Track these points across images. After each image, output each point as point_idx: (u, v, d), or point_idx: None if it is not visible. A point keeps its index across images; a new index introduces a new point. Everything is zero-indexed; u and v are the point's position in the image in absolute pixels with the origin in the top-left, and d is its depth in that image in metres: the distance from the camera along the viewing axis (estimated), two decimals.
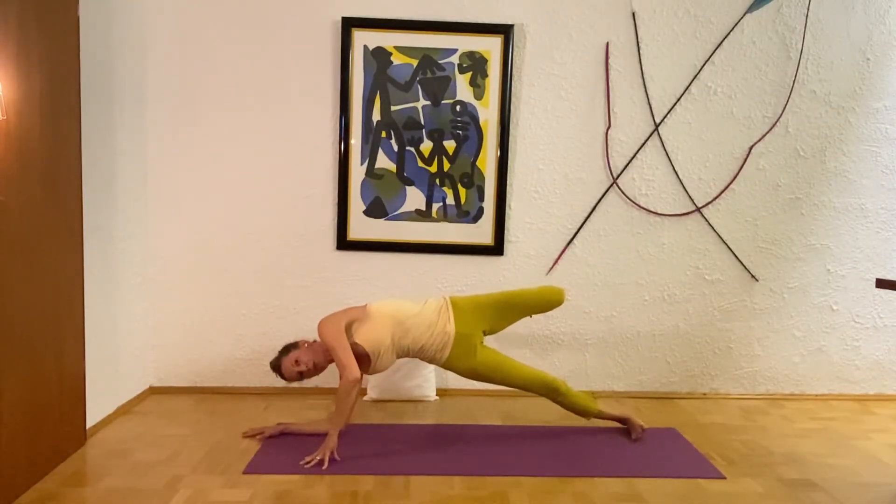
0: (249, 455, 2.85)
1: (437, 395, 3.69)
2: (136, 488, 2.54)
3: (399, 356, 3.04)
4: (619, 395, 3.82)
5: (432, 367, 3.51)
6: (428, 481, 2.66)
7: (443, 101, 3.59)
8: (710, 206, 3.73)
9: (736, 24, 3.62)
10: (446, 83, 3.58)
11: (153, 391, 3.66)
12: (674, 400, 3.80)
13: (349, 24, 3.53)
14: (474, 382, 3.76)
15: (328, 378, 3.72)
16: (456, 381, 3.67)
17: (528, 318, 3.26)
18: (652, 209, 3.72)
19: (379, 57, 3.57)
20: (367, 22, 3.54)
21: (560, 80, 3.63)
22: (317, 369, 3.02)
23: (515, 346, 3.75)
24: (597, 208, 3.70)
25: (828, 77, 3.70)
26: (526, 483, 2.67)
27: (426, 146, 3.62)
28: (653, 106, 3.67)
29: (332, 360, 2.99)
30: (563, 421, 3.40)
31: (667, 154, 3.70)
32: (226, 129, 3.59)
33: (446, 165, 3.63)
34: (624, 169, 3.69)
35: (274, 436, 3.01)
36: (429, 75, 3.57)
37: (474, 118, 3.60)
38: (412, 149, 3.62)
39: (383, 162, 3.63)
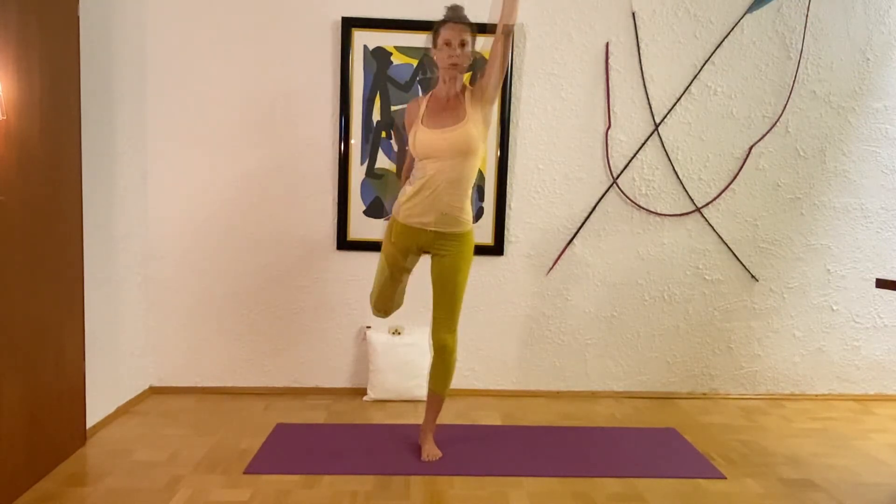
0: (249, 455, 2.85)
1: None
2: (136, 488, 2.54)
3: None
4: (619, 395, 3.82)
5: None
6: (428, 481, 2.67)
7: None
8: (710, 206, 3.73)
9: (736, 24, 3.62)
10: None
11: (153, 391, 3.66)
12: (674, 400, 3.80)
13: (349, 24, 3.53)
14: (475, 382, 3.77)
15: (327, 378, 3.73)
16: (456, 381, 3.66)
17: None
18: (652, 209, 3.72)
19: (379, 57, 3.57)
20: (367, 22, 3.54)
21: (560, 80, 3.63)
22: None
23: (515, 347, 3.75)
24: (597, 208, 3.70)
25: (828, 77, 3.70)
26: (526, 483, 2.67)
27: None
28: (653, 106, 3.67)
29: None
30: (563, 421, 3.41)
31: (667, 154, 3.70)
32: (226, 129, 3.59)
33: None
34: (624, 169, 3.69)
35: None
36: (429, 75, 3.57)
37: None
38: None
39: (383, 162, 3.63)
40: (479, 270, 3.66)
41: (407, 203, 2.78)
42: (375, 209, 3.65)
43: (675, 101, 3.66)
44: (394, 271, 2.89)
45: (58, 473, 2.64)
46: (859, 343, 3.87)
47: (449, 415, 3.38)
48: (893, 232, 3.83)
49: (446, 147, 2.68)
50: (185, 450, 2.90)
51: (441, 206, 2.73)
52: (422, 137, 2.72)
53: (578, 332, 3.77)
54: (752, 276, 3.79)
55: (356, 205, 3.65)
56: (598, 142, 3.68)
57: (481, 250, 3.62)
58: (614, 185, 3.70)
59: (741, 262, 3.78)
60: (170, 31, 3.52)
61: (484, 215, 3.66)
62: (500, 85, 2.72)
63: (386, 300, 2.98)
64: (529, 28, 3.59)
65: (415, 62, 3.58)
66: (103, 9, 3.07)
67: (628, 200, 3.72)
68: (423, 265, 2.92)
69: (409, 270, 2.93)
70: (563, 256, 3.72)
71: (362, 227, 3.65)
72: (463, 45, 2.70)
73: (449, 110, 2.73)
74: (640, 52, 3.63)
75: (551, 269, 3.73)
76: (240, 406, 3.49)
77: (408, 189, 2.80)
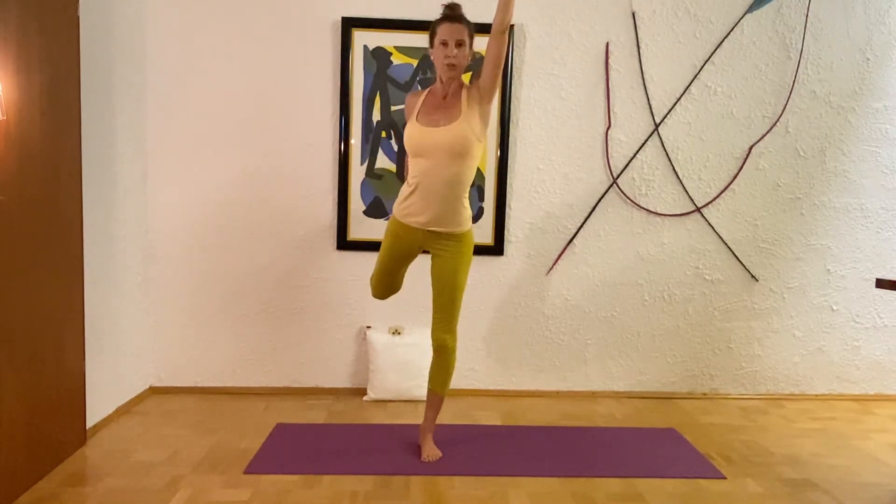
0: (249, 455, 2.85)
1: None
2: (136, 488, 2.54)
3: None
4: (619, 395, 3.82)
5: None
6: (428, 481, 2.67)
7: None
8: (710, 206, 3.73)
9: (736, 24, 3.62)
10: None
11: (153, 391, 3.66)
12: (674, 400, 3.80)
13: (349, 24, 3.53)
14: (475, 382, 3.77)
15: (327, 378, 3.73)
16: (456, 381, 3.66)
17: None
18: (652, 209, 3.72)
19: (379, 57, 3.57)
20: (367, 22, 3.54)
21: (560, 80, 3.63)
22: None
23: (515, 347, 3.75)
24: (597, 208, 3.70)
25: (828, 77, 3.70)
26: (526, 483, 2.67)
27: None
28: (653, 106, 3.66)
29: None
30: (563, 421, 3.41)
31: (667, 154, 3.70)
32: (226, 129, 3.59)
33: None
34: (624, 169, 3.69)
35: None
36: (429, 75, 3.57)
37: None
38: None
39: (383, 162, 3.63)
40: (479, 270, 3.66)
41: (404, 202, 2.79)
42: (375, 209, 3.65)
43: (675, 101, 3.66)
44: (393, 266, 2.92)
45: (58, 473, 2.64)
46: (859, 343, 3.87)
47: (449, 415, 3.38)
48: (893, 232, 3.83)
49: (436, 146, 2.66)
50: (185, 450, 2.90)
51: (436, 205, 2.72)
52: (412, 133, 2.72)
53: (578, 332, 3.77)
54: (752, 276, 3.79)
55: (356, 205, 3.65)
56: (598, 142, 3.68)
57: (481, 250, 3.62)
58: (614, 185, 3.70)
59: (741, 262, 3.78)
60: (170, 31, 3.52)
61: (484, 215, 3.66)
62: (497, 82, 2.69)
63: (385, 288, 3.03)
64: (529, 28, 3.59)
65: (415, 62, 3.57)
66: (103, 9, 3.07)
67: (628, 200, 3.72)
68: (424, 265, 2.92)
69: (407, 265, 2.96)
70: (563, 256, 3.72)
71: (362, 227, 3.65)
72: (460, 44, 2.65)
73: (444, 108, 2.70)
74: (640, 52, 3.63)
75: (551, 269, 3.73)
76: (240, 406, 3.49)
77: (405, 188, 2.81)
